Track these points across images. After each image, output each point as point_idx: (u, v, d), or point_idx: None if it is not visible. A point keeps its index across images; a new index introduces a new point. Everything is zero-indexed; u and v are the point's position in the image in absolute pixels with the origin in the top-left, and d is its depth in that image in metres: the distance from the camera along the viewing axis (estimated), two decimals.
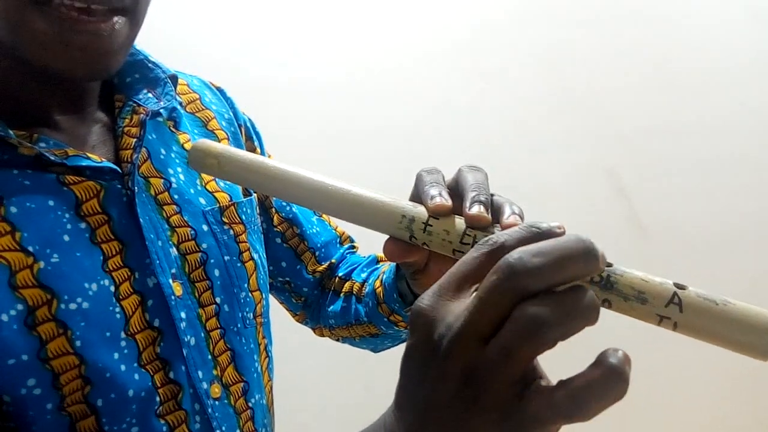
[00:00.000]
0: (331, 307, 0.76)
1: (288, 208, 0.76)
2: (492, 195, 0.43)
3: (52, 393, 0.47)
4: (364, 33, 1.47)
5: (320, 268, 0.77)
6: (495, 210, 0.42)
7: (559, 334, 0.29)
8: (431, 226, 0.41)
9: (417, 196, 0.44)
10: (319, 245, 0.77)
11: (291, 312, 0.82)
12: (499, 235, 0.33)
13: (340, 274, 0.77)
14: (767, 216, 1.70)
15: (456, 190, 0.44)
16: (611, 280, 0.35)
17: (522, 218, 0.40)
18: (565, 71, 1.59)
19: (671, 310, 0.34)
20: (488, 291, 0.30)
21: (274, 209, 0.75)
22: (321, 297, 0.79)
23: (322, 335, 0.81)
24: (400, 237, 0.42)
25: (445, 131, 1.52)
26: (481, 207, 0.40)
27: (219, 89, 0.72)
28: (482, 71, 1.54)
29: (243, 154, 0.45)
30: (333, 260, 0.78)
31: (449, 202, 0.41)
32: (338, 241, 0.80)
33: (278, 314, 0.82)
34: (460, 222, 0.41)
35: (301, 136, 1.43)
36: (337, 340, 0.79)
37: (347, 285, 0.75)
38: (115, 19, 0.48)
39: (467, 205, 0.41)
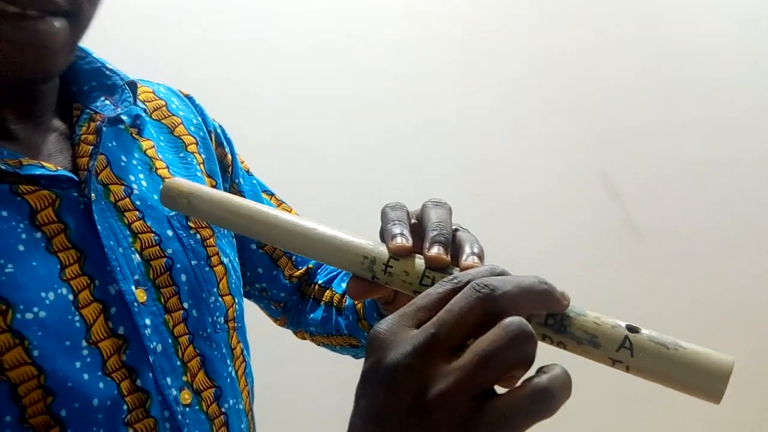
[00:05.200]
0: (312, 315, 0.75)
1: None
2: (456, 230, 0.44)
3: (10, 405, 0.46)
4: (357, 34, 1.47)
5: (297, 273, 0.76)
6: (456, 247, 0.42)
7: (534, 350, 0.31)
8: (391, 267, 0.41)
9: (382, 233, 0.45)
10: None
11: (271, 317, 0.81)
12: (463, 275, 0.34)
13: (319, 282, 0.76)
14: (761, 218, 1.69)
15: (419, 226, 0.44)
16: (564, 324, 0.35)
17: (482, 258, 0.41)
18: (558, 74, 1.59)
19: (623, 354, 0.34)
20: (466, 302, 0.32)
21: None
22: (301, 303, 0.78)
23: (304, 338, 0.80)
24: (363, 276, 0.43)
25: (438, 135, 1.52)
26: (440, 248, 0.40)
27: (188, 96, 0.72)
28: (475, 74, 1.54)
29: (212, 192, 0.47)
30: (310, 265, 0.77)
31: (409, 243, 0.41)
32: None
33: (264, 319, 0.82)
34: (420, 262, 0.41)
35: (296, 142, 1.43)
36: (318, 344, 0.79)
37: (327, 294, 0.74)
38: (52, 19, 0.48)
39: (426, 245, 0.41)
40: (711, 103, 1.67)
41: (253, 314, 0.80)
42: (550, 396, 0.30)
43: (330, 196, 1.40)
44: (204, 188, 0.47)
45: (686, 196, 1.66)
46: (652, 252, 1.65)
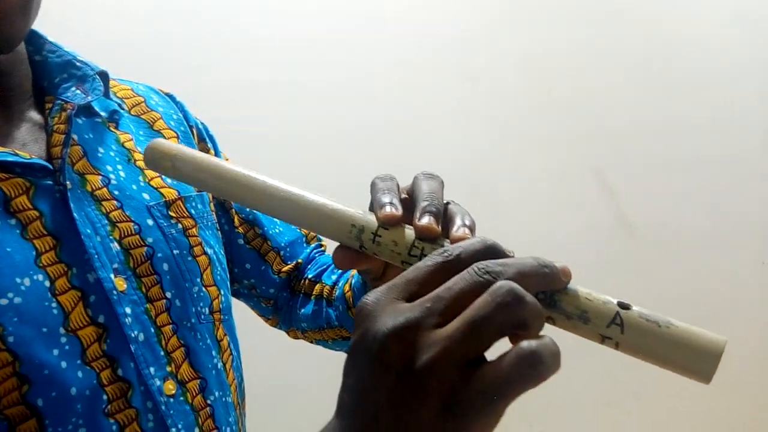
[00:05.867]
0: (303, 310, 0.74)
1: (248, 209, 0.75)
2: (447, 203, 0.43)
3: None
4: (349, 35, 1.47)
5: (286, 268, 0.75)
6: (447, 220, 0.41)
7: (528, 314, 0.30)
8: (380, 236, 0.40)
9: (371, 204, 0.44)
10: (283, 244, 0.76)
11: (263, 317, 0.80)
12: (454, 247, 0.34)
13: (309, 276, 0.75)
14: (753, 215, 1.68)
15: (410, 201, 0.43)
16: (555, 299, 0.35)
17: (473, 231, 0.40)
18: (551, 71, 1.59)
19: (613, 330, 0.33)
20: (466, 284, 0.31)
21: (234, 210, 0.74)
22: (291, 299, 0.77)
23: (297, 338, 0.79)
24: (351, 245, 0.42)
25: (431, 133, 1.52)
26: (431, 218, 0.39)
27: (168, 94, 0.72)
28: (468, 71, 1.54)
29: (197, 155, 0.46)
30: (300, 260, 0.76)
31: (399, 212, 0.41)
32: (304, 240, 0.78)
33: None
34: (409, 233, 0.40)
35: (287, 140, 1.43)
36: (311, 342, 0.77)
37: (317, 287, 0.73)
38: None
39: (417, 215, 0.40)
40: (704, 101, 1.66)
41: (249, 310, 0.79)
42: (538, 361, 0.29)
43: (323, 193, 1.39)
44: (189, 150, 0.46)
45: (678, 192, 1.65)
46: (645, 248, 1.64)
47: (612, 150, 1.62)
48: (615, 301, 0.34)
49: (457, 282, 0.32)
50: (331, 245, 0.73)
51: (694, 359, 0.32)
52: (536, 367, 0.29)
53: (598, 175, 1.61)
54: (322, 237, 0.43)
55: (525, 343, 0.29)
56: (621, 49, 1.62)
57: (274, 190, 0.43)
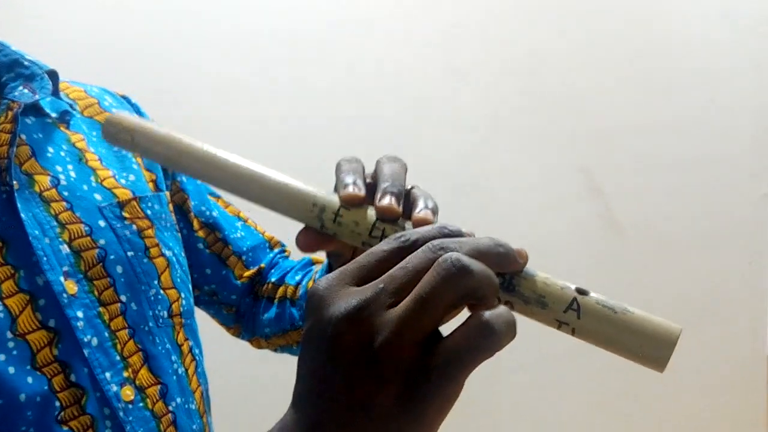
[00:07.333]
0: (266, 315, 0.72)
1: (208, 213, 0.73)
2: (412, 187, 0.42)
3: None
4: (339, 31, 1.47)
5: (248, 273, 0.74)
6: (410, 203, 0.41)
7: (476, 284, 0.29)
8: (341, 216, 0.39)
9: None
10: (245, 249, 0.74)
11: (224, 326, 0.78)
12: (412, 233, 0.33)
13: (272, 280, 0.74)
14: (741, 215, 1.70)
15: (374, 185, 0.42)
16: (513, 283, 0.34)
17: (435, 213, 0.40)
18: (539, 69, 1.59)
19: (570, 315, 0.33)
20: (419, 262, 0.31)
21: (192, 214, 0.72)
22: (254, 305, 0.75)
23: (260, 347, 0.77)
24: (312, 225, 0.41)
25: (419, 130, 1.52)
26: (392, 198, 0.39)
27: (124, 96, 0.70)
28: (456, 69, 1.54)
29: (158, 128, 0.44)
30: (262, 265, 0.75)
31: (362, 192, 0.40)
32: (267, 245, 0.77)
33: None
34: (371, 213, 0.39)
35: (276, 134, 1.42)
36: (275, 350, 0.75)
37: (281, 290, 0.72)
38: None
39: (378, 196, 0.39)
40: (693, 101, 1.67)
41: None
42: (491, 331, 0.28)
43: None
44: (149, 124, 0.44)
45: (666, 192, 1.66)
46: (633, 247, 1.64)
47: (602, 149, 1.62)
48: (573, 287, 0.34)
49: (410, 260, 0.31)
50: (295, 249, 0.73)
51: (649, 346, 0.32)
52: (489, 337, 0.28)
53: (586, 175, 1.62)
54: (279, 214, 0.41)
55: (478, 314, 0.29)
56: (610, 47, 1.63)
57: (236, 167, 0.42)
